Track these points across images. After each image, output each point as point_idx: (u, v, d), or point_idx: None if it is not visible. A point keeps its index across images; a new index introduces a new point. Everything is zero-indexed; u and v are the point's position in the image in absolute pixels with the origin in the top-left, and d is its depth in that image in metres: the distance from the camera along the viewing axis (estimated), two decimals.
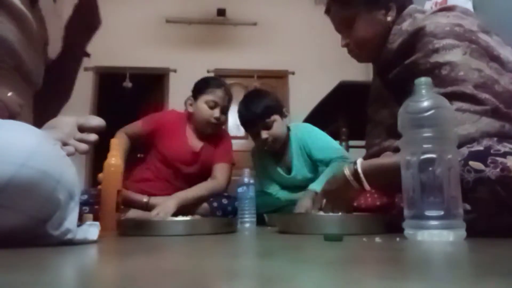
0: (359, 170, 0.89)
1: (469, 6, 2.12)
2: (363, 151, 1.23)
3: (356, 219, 0.90)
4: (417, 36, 0.90)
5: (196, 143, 1.68)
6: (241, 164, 1.79)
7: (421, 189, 0.65)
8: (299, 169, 1.68)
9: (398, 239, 0.71)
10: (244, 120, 1.64)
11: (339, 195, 0.94)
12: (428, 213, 0.64)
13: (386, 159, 0.90)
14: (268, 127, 1.60)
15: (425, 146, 0.66)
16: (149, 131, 1.63)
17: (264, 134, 1.60)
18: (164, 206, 1.38)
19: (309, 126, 1.75)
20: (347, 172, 0.91)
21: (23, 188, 0.51)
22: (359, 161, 0.91)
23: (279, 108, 1.65)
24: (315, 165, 1.67)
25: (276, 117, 1.61)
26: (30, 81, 0.80)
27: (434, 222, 0.64)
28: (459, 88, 0.81)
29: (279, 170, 1.74)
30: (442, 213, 0.63)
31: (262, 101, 1.60)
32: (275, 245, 0.66)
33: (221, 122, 1.66)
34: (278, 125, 1.62)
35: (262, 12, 4.80)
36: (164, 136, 1.64)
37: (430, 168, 0.65)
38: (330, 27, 1.09)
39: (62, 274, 0.37)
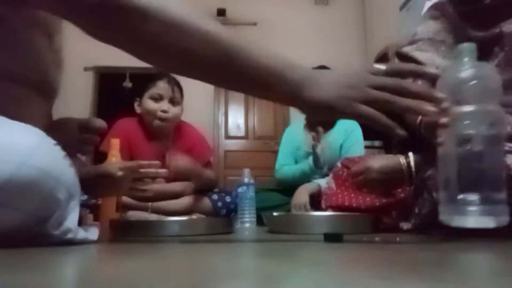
0: (412, 164, 0.85)
1: None
2: (371, 152, 1.23)
3: (343, 219, 0.90)
4: None
5: (161, 151, 1.57)
6: (241, 164, 1.79)
7: (458, 170, 0.58)
8: (329, 144, 1.75)
9: (398, 239, 0.71)
10: None
11: (388, 179, 0.89)
12: (466, 197, 0.57)
13: None
14: None
15: (466, 121, 0.59)
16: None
17: None
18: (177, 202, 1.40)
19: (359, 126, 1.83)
20: (401, 164, 0.86)
21: (22, 186, 0.51)
22: (412, 156, 0.86)
23: None
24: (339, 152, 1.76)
25: None
26: (51, 98, 0.77)
27: (472, 208, 0.57)
28: None
29: (307, 137, 1.80)
30: (480, 197, 0.56)
31: None
32: (275, 245, 0.66)
33: (173, 116, 1.54)
34: None
35: (262, 12, 4.80)
36: (132, 150, 1.55)
37: (469, 147, 0.58)
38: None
39: (62, 274, 0.37)
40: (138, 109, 1.60)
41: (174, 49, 0.55)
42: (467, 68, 0.60)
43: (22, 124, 0.56)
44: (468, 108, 0.59)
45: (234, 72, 0.56)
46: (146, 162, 0.92)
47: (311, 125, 1.76)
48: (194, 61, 0.56)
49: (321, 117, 0.60)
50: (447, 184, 0.61)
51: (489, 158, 0.58)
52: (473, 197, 0.57)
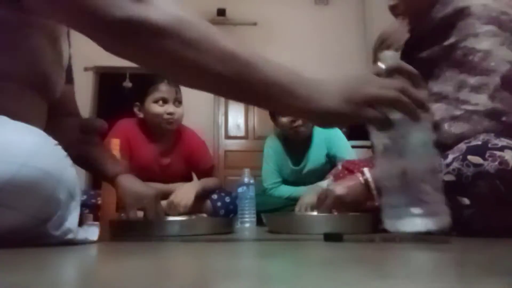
0: (371, 183, 0.88)
1: None
2: (363, 151, 1.23)
3: (347, 218, 0.90)
4: (461, 14, 0.87)
5: (161, 154, 1.60)
6: (241, 164, 1.78)
7: (396, 176, 0.60)
8: (313, 161, 1.71)
9: (398, 239, 0.71)
10: None
11: (353, 200, 0.91)
12: (404, 201, 0.59)
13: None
14: None
15: (397, 129, 0.60)
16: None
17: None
18: (184, 194, 1.36)
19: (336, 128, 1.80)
20: (361, 180, 0.89)
21: (23, 187, 0.51)
22: (368, 173, 0.89)
23: None
24: (326, 161, 1.72)
25: None
26: (49, 96, 0.77)
27: (412, 210, 0.58)
28: (487, 80, 0.81)
29: (288, 161, 1.76)
30: (419, 200, 0.58)
31: None
32: (275, 245, 0.66)
33: (178, 117, 1.57)
34: None
35: (262, 12, 4.79)
36: (132, 150, 1.57)
37: (404, 153, 0.60)
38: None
39: (62, 274, 0.37)
40: (139, 114, 1.60)
41: (192, 66, 0.56)
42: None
43: (24, 125, 0.56)
44: (397, 115, 0.60)
45: (245, 88, 0.58)
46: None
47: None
48: (210, 76, 0.58)
49: (332, 125, 0.63)
50: (385, 190, 0.63)
51: (423, 163, 0.60)
52: (408, 201, 0.58)
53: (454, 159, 0.73)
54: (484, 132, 0.77)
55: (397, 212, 0.60)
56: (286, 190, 1.76)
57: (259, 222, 1.28)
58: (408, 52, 1.03)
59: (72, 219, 0.60)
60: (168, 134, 1.62)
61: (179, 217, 1.09)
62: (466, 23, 0.87)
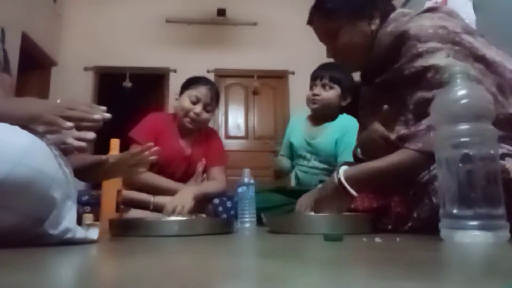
0: (342, 179, 0.90)
1: (469, 6, 2.12)
2: None
3: (343, 219, 0.90)
4: (402, 39, 0.91)
5: (185, 146, 1.67)
6: (241, 164, 1.79)
7: (457, 187, 0.60)
8: (324, 136, 1.78)
9: (398, 239, 0.71)
10: (317, 69, 1.75)
11: (331, 202, 0.94)
12: (462, 212, 0.59)
13: (371, 163, 0.90)
14: (326, 87, 1.70)
15: (462, 140, 0.61)
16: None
17: (317, 90, 1.71)
18: (182, 199, 1.38)
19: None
20: (335, 180, 0.91)
21: (18, 186, 0.51)
22: (342, 170, 0.91)
23: (344, 88, 1.72)
24: (333, 153, 1.78)
25: (338, 88, 1.70)
26: None
27: (469, 223, 0.59)
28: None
29: (305, 136, 1.83)
30: (476, 212, 0.58)
31: (341, 71, 1.70)
32: (275, 245, 0.66)
33: (202, 120, 1.63)
34: (332, 94, 1.71)
35: (262, 12, 4.80)
36: (158, 142, 1.56)
37: (466, 165, 0.60)
38: None
39: (61, 274, 0.37)
40: (175, 103, 1.68)
41: None
42: (459, 88, 0.63)
43: (14, 126, 0.56)
44: (463, 126, 0.62)
45: None
46: (138, 150, 0.95)
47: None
48: None
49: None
50: (445, 201, 0.62)
51: (485, 175, 0.59)
52: (469, 212, 0.59)
53: None
54: None
55: (455, 223, 0.60)
56: (283, 162, 1.87)
57: (259, 222, 1.28)
58: (366, 78, 1.08)
59: (70, 218, 0.59)
60: (193, 132, 1.68)
61: (179, 217, 1.09)
62: (407, 46, 0.90)
